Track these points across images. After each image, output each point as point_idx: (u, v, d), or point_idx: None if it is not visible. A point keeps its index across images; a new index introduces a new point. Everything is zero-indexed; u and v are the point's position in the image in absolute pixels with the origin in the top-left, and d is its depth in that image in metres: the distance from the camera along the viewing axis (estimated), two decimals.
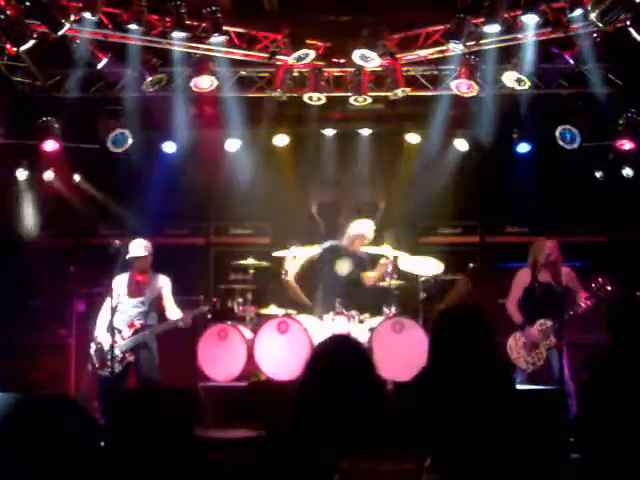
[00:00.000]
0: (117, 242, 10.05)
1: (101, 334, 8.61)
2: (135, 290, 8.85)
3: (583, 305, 8.20)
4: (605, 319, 5.94)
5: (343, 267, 9.80)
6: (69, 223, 11.03)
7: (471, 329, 4.40)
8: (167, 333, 8.88)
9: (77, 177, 10.91)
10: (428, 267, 9.92)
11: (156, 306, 8.91)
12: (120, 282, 8.79)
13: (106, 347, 8.42)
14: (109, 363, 8.27)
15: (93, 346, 8.59)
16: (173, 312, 8.92)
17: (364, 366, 3.34)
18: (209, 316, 9.35)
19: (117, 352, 8.34)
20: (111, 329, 8.27)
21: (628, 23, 7.77)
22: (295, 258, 9.90)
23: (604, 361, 5.53)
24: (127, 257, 8.74)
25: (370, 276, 9.86)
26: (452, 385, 4.13)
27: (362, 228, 9.95)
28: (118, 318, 8.48)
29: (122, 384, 8.51)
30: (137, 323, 8.65)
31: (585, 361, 5.70)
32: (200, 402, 8.59)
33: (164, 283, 8.98)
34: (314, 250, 9.97)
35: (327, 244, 9.99)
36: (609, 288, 8.11)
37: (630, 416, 4.99)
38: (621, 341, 5.42)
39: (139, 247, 8.89)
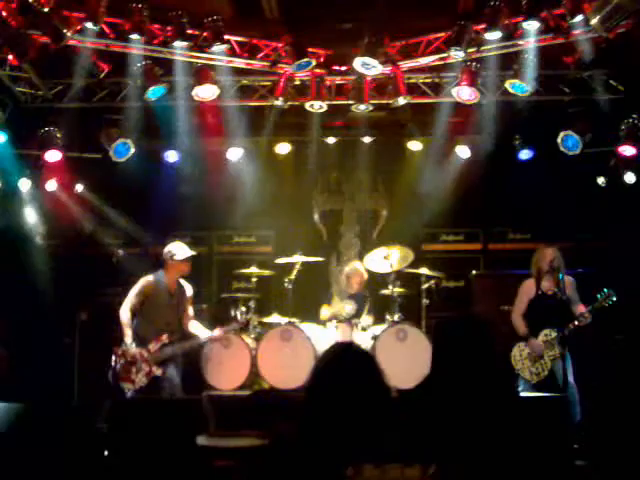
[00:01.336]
0: (120, 251, 10.12)
1: (128, 344, 8.19)
2: (167, 296, 8.49)
3: (583, 317, 8.15)
4: None
5: (347, 309, 9.82)
6: (71, 232, 11.04)
7: (471, 338, 4.41)
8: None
9: (80, 187, 10.91)
10: (396, 258, 9.93)
11: (181, 316, 8.61)
12: (152, 286, 8.45)
13: (132, 358, 8.14)
14: (133, 377, 8.10)
15: (117, 357, 8.17)
16: (193, 323, 8.71)
17: (370, 373, 3.34)
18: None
19: (144, 365, 8.16)
20: (138, 338, 8.18)
21: (629, 29, 7.77)
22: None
23: None
24: (176, 259, 8.45)
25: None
26: (455, 393, 4.14)
27: (355, 269, 9.98)
28: (146, 326, 8.34)
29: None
30: (165, 336, 8.27)
31: None
32: (204, 411, 8.58)
33: (189, 290, 8.72)
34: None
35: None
36: (612, 301, 8.06)
37: None
38: None
39: (186, 249, 8.58)
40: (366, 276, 10.04)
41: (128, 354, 8.15)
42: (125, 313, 8.24)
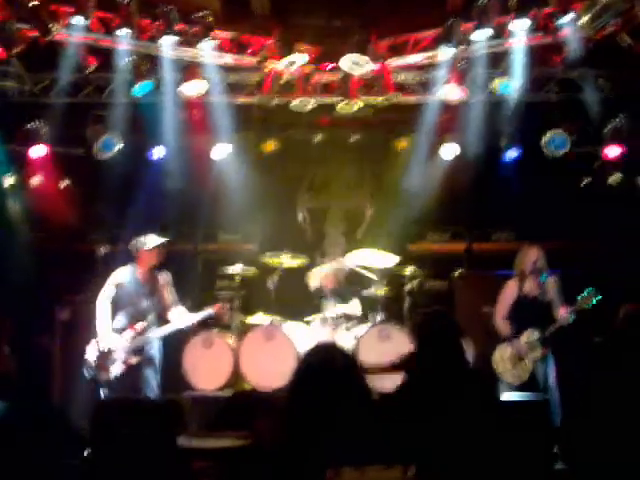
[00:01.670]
0: (104, 248, 10.04)
1: (102, 336, 8.26)
2: (139, 287, 8.54)
3: (562, 318, 8.16)
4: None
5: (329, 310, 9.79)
6: (56, 228, 10.97)
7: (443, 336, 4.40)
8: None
9: (65, 182, 10.85)
10: (382, 260, 9.94)
11: (158, 305, 8.61)
12: (122, 278, 8.52)
13: (106, 348, 8.18)
14: (109, 366, 8.14)
15: (91, 349, 8.22)
16: (175, 311, 8.67)
17: (351, 374, 3.33)
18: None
19: (119, 354, 8.20)
20: (112, 330, 8.23)
21: (616, 29, 7.79)
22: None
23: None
24: (146, 248, 8.52)
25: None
26: (434, 394, 4.13)
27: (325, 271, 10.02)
28: (121, 317, 8.37)
29: (126, 387, 8.22)
30: (139, 325, 8.32)
31: None
32: (184, 411, 8.55)
33: (166, 279, 8.73)
34: None
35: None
36: (594, 300, 8.06)
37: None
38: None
39: (155, 238, 8.66)
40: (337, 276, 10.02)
41: (103, 344, 8.21)
42: (101, 303, 8.34)
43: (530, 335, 8.22)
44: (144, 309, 8.46)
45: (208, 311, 8.80)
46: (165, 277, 8.71)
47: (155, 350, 8.52)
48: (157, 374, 8.53)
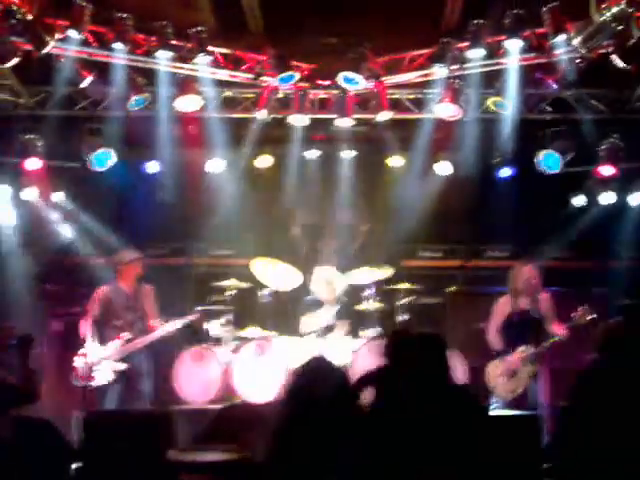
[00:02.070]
0: (98, 261, 10.07)
1: (89, 346, 8.55)
2: (124, 300, 8.87)
3: (560, 335, 8.18)
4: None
5: (322, 320, 9.79)
6: (50, 241, 10.95)
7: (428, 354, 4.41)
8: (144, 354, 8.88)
9: (59, 195, 10.83)
10: (375, 275, 10.03)
11: (143, 316, 8.91)
12: (107, 292, 8.86)
13: (94, 358, 8.45)
14: (96, 375, 8.41)
15: (79, 360, 8.48)
16: (157, 322, 8.90)
17: (341, 390, 3.34)
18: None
19: (107, 365, 8.47)
20: (99, 341, 8.48)
21: (610, 50, 7.82)
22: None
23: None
24: (123, 263, 8.92)
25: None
26: (422, 409, 4.13)
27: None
28: (109, 331, 8.64)
29: (115, 398, 8.54)
30: (125, 335, 8.61)
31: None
32: (174, 424, 8.53)
33: (149, 292, 9.01)
34: None
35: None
36: (589, 318, 8.08)
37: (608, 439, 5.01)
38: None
39: (131, 252, 9.07)
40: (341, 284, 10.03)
41: (89, 354, 8.47)
42: (84, 327, 8.68)
43: (524, 350, 8.23)
44: (129, 320, 8.78)
45: (187, 318, 9.01)
46: (148, 289, 9.02)
47: (142, 360, 8.80)
48: (145, 384, 8.79)
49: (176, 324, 8.87)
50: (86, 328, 8.67)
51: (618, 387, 5.25)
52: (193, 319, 9.18)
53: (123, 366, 8.57)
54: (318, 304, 9.92)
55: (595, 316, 8.02)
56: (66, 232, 10.90)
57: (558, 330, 8.20)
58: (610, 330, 5.67)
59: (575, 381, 5.68)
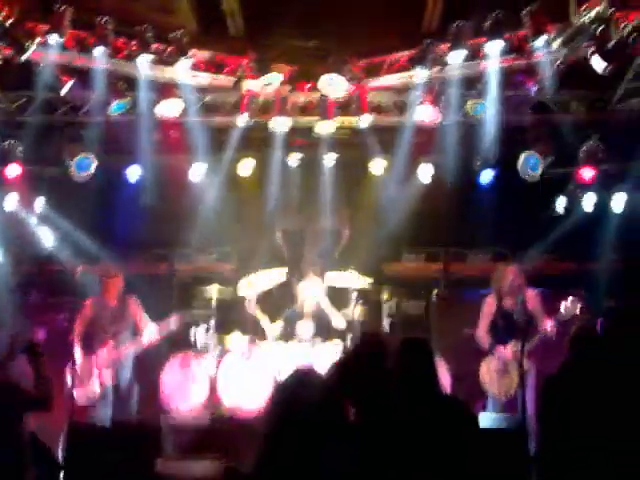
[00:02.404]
0: (80, 269, 10.03)
1: (79, 357, 8.66)
2: (109, 312, 8.95)
3: (548, 329, 8.21)
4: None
5: (306, 331, 9.77)
6: (31, 249, 10.88)
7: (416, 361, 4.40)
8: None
9: (40, 202, 10.77)
10: (353, 280, 10.02)
11: (129, 328, 9.00)
12: (93, 306, 8.97)
13: (84, 371, 8.57)
14: (88, 385, 8.56)
15: (69, 372, 8.39)
16: (148, 329, 9.00)
17: (328, 399, 3.33)
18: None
19: (96, 375, 8.62)
20: (87, 352, 8.62)
21: (590, 52, 7.87)
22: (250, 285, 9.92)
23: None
24: (106, 278, 9.05)
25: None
26: (412, 421, 4.12)
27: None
28: (97, 342, 8.76)
29: (104, 408, 8.61)
30: (112, 343, 8.72)
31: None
32: (161, 435, 8.49)
33: (134, 303, 9.09)
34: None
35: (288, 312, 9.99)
36: (577, 310, 8.12)
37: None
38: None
39: (112, 267, 9.24)
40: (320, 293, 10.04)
41: (80, 366, 8.57)
42: (74, 339, 8.75)
43: (515, 345, 8.26)
44: (115, 333, 8.87)
45: (170, 323, 9.10)
46: (133, 300, 9.11)
47: (129, 370, 8.88)
48: (133, 395, 8.86)
49: (159, 330, 8.95)
50: (75, 339, 8.74)
51: (587, 390, 5.27)
52: (178, 324, 9.23)
53: (111, 377, 8.66)
54: (299, 316, 9.89)
55: (583, 307, 8.08)
56: (47, 239, 10.83)
57: (545, 326, 8.24)
58: (582, 333, 5.69)
59: (544, 386, 5.72)
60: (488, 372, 8.47)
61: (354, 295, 9.85)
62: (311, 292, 9.97)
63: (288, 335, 9.77)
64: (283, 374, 4.41)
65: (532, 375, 8.23)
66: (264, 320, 9.85)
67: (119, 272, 9.19)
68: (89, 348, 8.77)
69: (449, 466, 4.02)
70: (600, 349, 5.54)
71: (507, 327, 8.45)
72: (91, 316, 8.91)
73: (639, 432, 5.06)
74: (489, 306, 8.67)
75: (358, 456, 3.58)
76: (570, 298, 8.19)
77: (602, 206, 10.40)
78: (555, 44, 7.97)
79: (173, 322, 9.17)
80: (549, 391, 5.63)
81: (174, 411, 9.20)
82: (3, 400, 5.97)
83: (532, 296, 8.54)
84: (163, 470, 6.48)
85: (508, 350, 8.34)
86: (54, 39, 8.28)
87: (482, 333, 8.65)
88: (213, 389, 9.26)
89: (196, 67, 9.22)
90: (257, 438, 3.28)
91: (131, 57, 8.87)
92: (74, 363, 8.44)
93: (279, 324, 9.79)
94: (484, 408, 8.55)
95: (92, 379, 8.58)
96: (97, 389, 8.60)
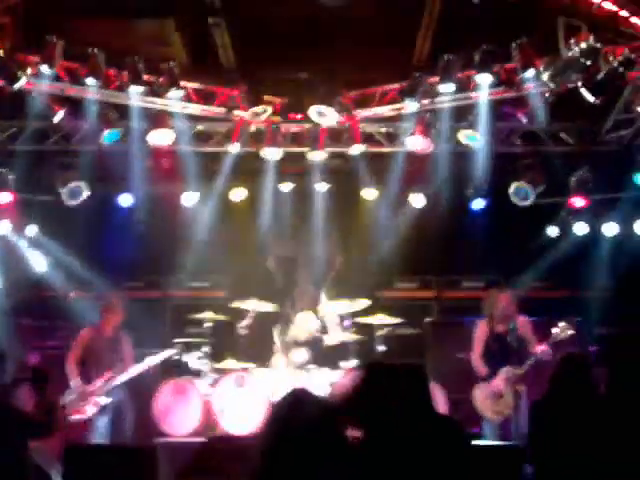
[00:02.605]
0: (72, 295, 10.05)
1: (74, 382, 8.72)
2: (106, 343, 8.99)
3: (540, 352, 8.21)
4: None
5: (299, 357, 9.78)
6: (23, 275, 10.89)
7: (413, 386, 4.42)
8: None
9: (32, 229, 10.79)
10: (346, 306, 10.00)
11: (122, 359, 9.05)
12: (89, 335, 8.99)
13: (80, 395, 8.63)
14: (82, 409, 8.56)
15: (65, 397, 8.64)
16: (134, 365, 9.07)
17: (325, 420, 3.32)
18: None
19: (90, 401, 8.60)
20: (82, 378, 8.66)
21: (579, 84, 7.91)
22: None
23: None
24: (108, 308, 9.05)
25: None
26: (408, 442, 4.13)
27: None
28: (91, 371, 8.79)
29: (99, 432, 8.63)
30: (106, 374, 8.74)
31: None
32: (156, 458, 8.48)
33: (127, 341, 9.18)
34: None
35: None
36: (569, 332, 8.15)
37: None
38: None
39: (117, 299, 9.26)
40: (314, 324, 10.04)
41: (75, 391, 8.65)
42: (69, 366, 8.81)
43: (506, 372, 8.27)
44: (110, 361, 8.87)
45: (163, 355, 9.11)
46: (126, 337, 9.19)
47: (123, 396, 8.91)
48: (127, 419, 8.91)
49: (153, 360, 8.98)
50: (69, 369, 8.78)
51: (574, 413, 5.29)
52: (169, 356, 9.24)
53: (106, 401, 8.68)
54: (291, 345, 9.89)
55: (575, 331, 8.10)
56: (39, 264, 10.85)
57: (537, 349, 8.24)
58: (570, 360, 5.70)
59: (532, 408, 5.74)
60: (482, 399, 8.46)
61: (348, 321, 9.86)
62: (305, 319, 9.98)
63: (283, 362, 9.78)
64: (278, 397, 4.45)
65: (525, 398, 8.25)
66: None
67: (121, 303, 9.21)
68: (83, 375, 8.78)
69: None
70: (588, 373, 5.55)
71: (500, 351, 8.45)
72: (87, 344, 8.93)
73: (628, 454, 5.06)
74: (481, 330, 8.67)
75: (355, 475, 3.58)
76: (562, 322, 8.20)
77: (593, 234, 10.44)
78: (544, 77, 7.99)
79: (166, 355, 9.19)
80: (536, 413, 5.65)
81: (169, 435, 9.20)
82: (8, 425, 5.99)
83: (524, 322, 8.56)
84: None
85: (502, 374, 8.34)
86: (45, 70, 8.31)
87: (477, 357, 8.64)
88: (208, 413, 9.25)
89: (187, 98, 9.25)
90: (253, 459, 3.28)
91: (122, 88, 8.90)
92: (68, 387, 8.61)
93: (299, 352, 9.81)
94: (480, 433, 8.55)
95: (87, 405, 8.60)
96: (91, 414, 8.63)
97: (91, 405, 8.61)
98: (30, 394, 7.54)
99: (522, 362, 8.29)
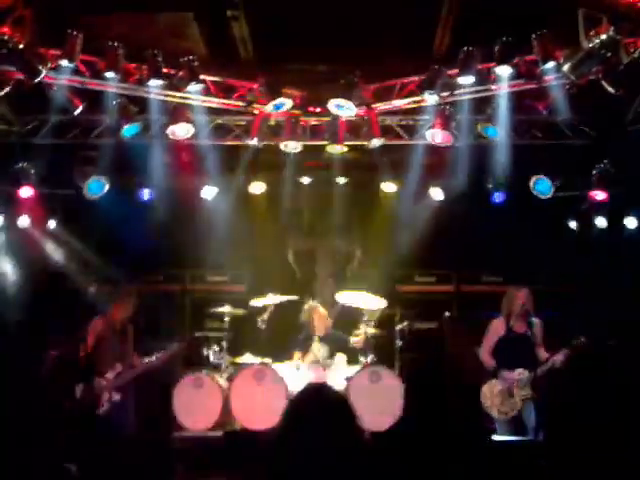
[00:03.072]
0: (93, 288, 10.10)
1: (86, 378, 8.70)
2: (116, 334, 8.96)
3: (557, 360, 8.16)
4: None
5: (318, 353, 9.80)
6: (44, 269, 10.96)
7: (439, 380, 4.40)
8: (144, 382, 8.96)
9: (52, 223, 10.85)
10: (370, 302, 9.99)
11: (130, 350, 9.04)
12: (99, 328, 8.91)
13: (92, 389, 8.57)
14: (95, 404, 8.51)
15: (79, 390, 8.61)
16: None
17: (343, 415, 3.32)
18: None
19: (103, 394, 8.52)
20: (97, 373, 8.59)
21: (599, 76, 7.85)
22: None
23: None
24: (118, 301, 8.97)
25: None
26: (426, 436, 4.12)
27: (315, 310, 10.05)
28: (102, 362, 8.69)
29: (111, 425, 8.59)
30: (119, 365, 8.70)
31: None
32: (174, 451, 8.52)
33: (131, 331, 9.13)
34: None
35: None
36: (585, 346, 8.09)
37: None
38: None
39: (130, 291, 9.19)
40: (328, 317, 10.04)
41: (89, 386, 8.57)
42: (84, 350, 8.76)
43: (521, 374, 8.23)
44: (120, 354, 8.83)
45: (171, 348, 9.02)
46: (131, 328, 9.10)
47: (131, 391, 8.87)
48: (132, 414, 8.88)
49: (158, 357, 8.94)
50: (83, 358, 8.74)
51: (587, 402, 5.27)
52: (174, 352, 9.15)
53: (117, 396, 8.61)
54: (311, 339, 9.91)
55: (590, 346, 8.04)
56: (60, 260, 10.91)
57: (554, 356, 8.19)
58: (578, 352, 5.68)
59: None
60: (490, 396, 8.42)
61: (367, 315, 9.86)
62: (324, 313, 10.00)
63: (302, 356, 9.81)
64: (296, 392, 4.45)
65: (534, 402, 8.23)
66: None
67: (131, 296, 9.13)
68: (96, 367, 8.72)
69: (463, 475, 4.02)
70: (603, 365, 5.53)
71: (515, 352, 8.41)
72: (98, 334, 8.88)
73: None
74: (495, 328, 8.64)
75: (371, 469, 3.58)
76: (583, 338, 8.13)
77: (614, 228, 10.37)
78: (564, 69, 7.92)
79: (170, 351, 9.14)
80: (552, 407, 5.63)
81: (187, 428, 9.23)
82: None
83: (538, 324, 8.53)
84: None
85: (514, 374, 8.30)
86: (65, 64, 8.33)
87: (485, 355, 8.60)
88: (226, 408, 9.28)
89: (206, 91, 9.25)
90: (271, 453, 3.28)
91: (142, 81, 8.91)
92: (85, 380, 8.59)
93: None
94: (494, 429, 8.53)
95: (100, 396, 8.56)
96: (106, 405, 8.59)
97: (104, 400, 8.59)
98: None
99: (537, 365, 8.26)
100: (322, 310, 10.04)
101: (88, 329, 8.91)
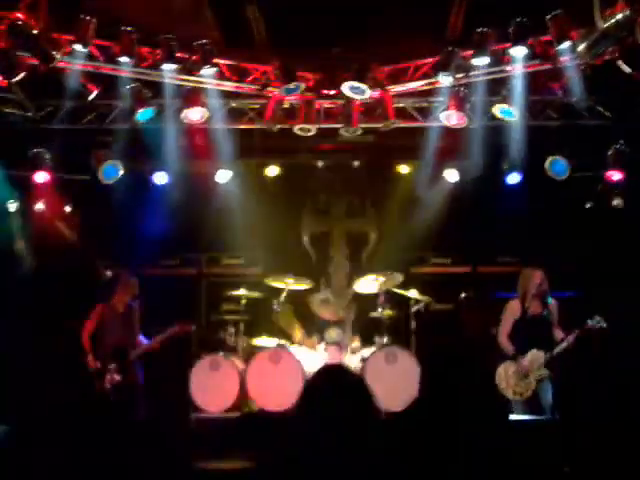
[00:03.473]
0: (108, 272, 10.18)
1: (91, 360, 9.05)
2: (118, 317, 9.29)
3: (572, 340, 8.17)
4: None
5: (333, 336, 9.84)
6: (60, 254, 10.99)
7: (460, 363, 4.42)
8: (160, 364, 9.39)
9: (68, 208, 10.89)
10: (386, 281, 10.09)
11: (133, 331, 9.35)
12: (101, 311, 9.32)
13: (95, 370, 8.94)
14: (103, 385, 8.85)
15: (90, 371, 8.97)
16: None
17: (360, 395, 3.34)
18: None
19: (107, 375, 8.85)
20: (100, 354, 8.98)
21: (615, 56, 7.81)
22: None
23: None
24: (121, 284, 9.49)
25: None
26: (444, 415, 4.14)
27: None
28: (105, 344, 9.09)
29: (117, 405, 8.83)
30: (120, 348, 9.04)
31: None
32: (192, 433, 8.59)
33: (136, 311, 9.45)
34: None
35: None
36: (601, 327, 8.08)
37: None
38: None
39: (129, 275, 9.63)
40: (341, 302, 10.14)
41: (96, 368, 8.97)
42: (84, 339, 9.17)
43: (536, 354, 8.25)
44: (126, 336, 9.20)
45: (170, 331, 9.23)
46: (135, 307, 9.46)
47: (138, 370, 9.25)
48: (141, 395, 9.20)
49: (159, 337, 9.21)
50: (85, 342, 9.14)
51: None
52: (177, 331, 9.29)
53: (119, 378, 8.88)
54: (326, 324, 9.95)
55: (606, 327, 8.04)
56: (75, 244, 10.96)
57: (570, 337, 8.20)
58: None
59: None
60: (505, 377, 8.43)
61: (382, 297, 9.88)
62: (340, 295, 10.05)
63: (318, 339, 9.86)
64: (312, 374, 4.43)
65: (551, 381, 8.24)
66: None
67: (134, 280, 9.53)
68: (99, 349, 9.11)
69: (482, 459, 4.04)
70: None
71: (533, 333, 8.42)
72: (100, 319, 9.27)
73: None
74: (511, 310, 8.64)
75: (387, 450, 3.60)
76: (597, 316, 8.12)
77: (631, 209, 10.32)
78: (579, 49, 7.88)
79: (170, 332, 9.30)
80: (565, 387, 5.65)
81: (204, 410, 9.29)
82: None
83: (553, 305, 8.55)
84: (194, 468, 6.52)
85: (530, 355, 8.31)
86: (79, 49, 8.34)
87: (503, 338, 8.60)
88: (243, 390, 9.33)
89: (220, 75, 9.24)
90: (287, 435, 3.30)
91: (156, 66, 8.91)
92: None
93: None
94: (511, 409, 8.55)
95: (104, 381, 8.86)
96: (109, 385, 8.87)
97: (109, 381, 8.85)
98: None
99: (552, 346, 8.28)
100: (332, 299, 10.10)
101: (90, 315, 9.29)
